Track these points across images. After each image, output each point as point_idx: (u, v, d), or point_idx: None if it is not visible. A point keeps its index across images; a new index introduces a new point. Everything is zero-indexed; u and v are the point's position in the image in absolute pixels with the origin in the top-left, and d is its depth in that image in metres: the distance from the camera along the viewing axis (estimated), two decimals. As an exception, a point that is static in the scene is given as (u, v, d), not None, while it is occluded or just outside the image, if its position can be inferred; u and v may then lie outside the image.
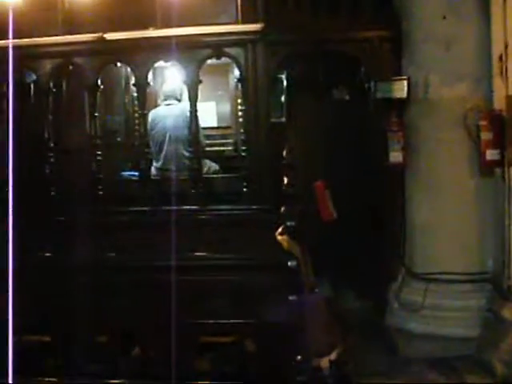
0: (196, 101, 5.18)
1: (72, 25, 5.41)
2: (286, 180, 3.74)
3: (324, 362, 3.43)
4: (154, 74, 6.89)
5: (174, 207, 4.95)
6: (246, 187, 5.07)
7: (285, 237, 3.31)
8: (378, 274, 5.40)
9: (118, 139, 6.29)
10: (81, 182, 5.36)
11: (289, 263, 3.23)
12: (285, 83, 6.00)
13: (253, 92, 5.07)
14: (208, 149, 6.35)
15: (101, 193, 5.23)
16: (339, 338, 3.65)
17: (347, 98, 6.07)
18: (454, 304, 4.82)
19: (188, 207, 4.82)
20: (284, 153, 4.43)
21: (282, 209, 3.44)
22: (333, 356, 3.58)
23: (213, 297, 3.60)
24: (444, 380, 4.41)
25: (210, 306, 3.58)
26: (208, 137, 6.60)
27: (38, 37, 5.18)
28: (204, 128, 6.67)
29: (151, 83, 5.40)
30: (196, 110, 5.16)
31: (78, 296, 3.96)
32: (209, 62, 6.40)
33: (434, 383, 4.37)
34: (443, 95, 4.85)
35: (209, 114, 6.75)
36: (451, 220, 4.89)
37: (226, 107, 6.81)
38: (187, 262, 3.92)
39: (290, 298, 3.18)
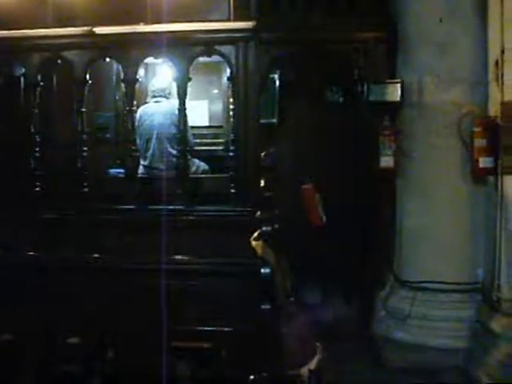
0: (185, 98, 5.07)
1: (62, 18, 5.31)
2: (262, 182, 3.57)
3: (303, 371, 3.31)
4: (146, 70, 6.82)
5: (156, 207, 4.85)
6: (232, 188, 4.97)
7: (259, 242, 3.17)
8: (368, 280, 5.28)
9: (108, 136, 6.17)
10: (66, 178, 5.26)
11: (262, 270, 3.09)
12: (277, 83, 5.88)
13: (243, 91, 4.96)
14: (199, 148, 6.25)
15: (86, 190, 5.13)
16: (316, 347, 3.51)
17: (341, 100, 5.94)
18: (441, 314, 4.70)
19: (171, 207, 4.71)
20: (262, 154, 4.31)
21: (258, 213, 3.30)
22: (312, 365, 3.46)
23: (185, 303, 3.46)
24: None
25: (182, 311, 3.44)
26: (199, 136, 6.50)
27: (28, 29, 5.08)
28: (195, 127, 6.59)
29: (141, 79, 5.29)
30: (185, 108, 5.05)
31: (51, 296, 3.83)
32: (201, 59, 6.31)
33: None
34: (437, 100, 4.74)
35: (201, 113, 6.64)
36: (442, 227, 4.78)
37: (219, 106, 6.70)
38: (155, 266, 3.76)
39: (263, 306, 3.05)
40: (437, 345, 4.62)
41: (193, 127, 6.47)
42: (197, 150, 5.95)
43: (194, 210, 4.74)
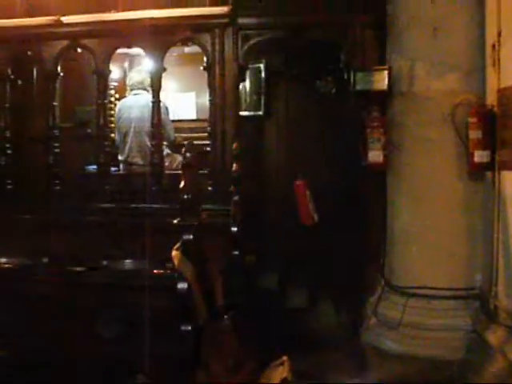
0: (159, 90, 4.81)
1: (32, 8, 5.07)
2: (183, 182, 3.11)
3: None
4: (131, 62, 6.53)
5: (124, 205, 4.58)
6: (210, 186, 4.67)
7: (178, 253, 2.81)
8: (357, 284, 4.90)
9: (89, 131, 5.91)
10: (37, 175, 5.02)
11: (178, 286, 2.74)
12: (263, 74, 5.52)
13: (220, 81, 4.66)
14: (185, 142, 5.95)
15: (57, 188, 4.88)
16: (250, 368, 3.14)
17: (333, 90, 5.55)
18: (435, 322, 4.28)
19: (141, 205, 4.44)
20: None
21: (177, 219, 2.95)
22: (275, 379, 3.12)
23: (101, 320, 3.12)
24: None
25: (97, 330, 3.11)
26: (186, 130, 6.20)
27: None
28: (182, 120, 6.29)
29: (112, 71, 5.00)
30: (159, 101, 4.80)
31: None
32: (187, 50, 6.02)
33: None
34: (430, 88, 4.31)
35: (188, 106, 6.32)
36: (436, 228, 4.36)
37: (207, 99, 6.34)
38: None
39: (183, 327, 2.69)
40: (430, 356, 4.21)
41: (179, 120, 6.19)
42: (179, 145, 5.65)
43: (164, 208, 4.45)
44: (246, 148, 5.36)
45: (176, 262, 2.77)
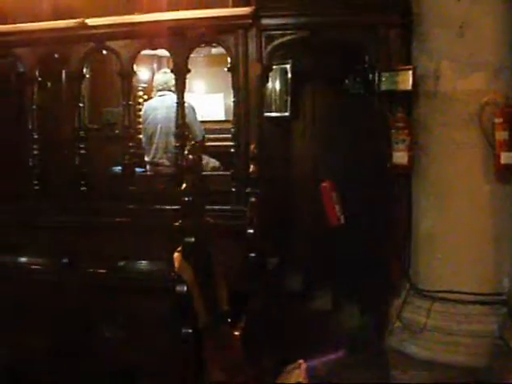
0: (183, 91, 4.85)
1: (58, 11, 5.16)
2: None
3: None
4: (159, 63, 6.60)
5: (149, 206, 4.62)
6: (233, 187, 4.68)
7: (178, 255, 2.80)
8: (383, 287, 4.81)
9: (117, 132, 6.00)
10: (64, 176, 5.11)
11: (177, 288, 2.72)
12: (289, 74, 5.49)
13: (244, 82, 4.66)
14: (212, 144, 5.98)
15: (83, 188, 4.96)
16: (249, 375, 3.10)
17: (362, 91, 5.47)
18: (460, 328, 4.17)
19: (159, 207, 4.46)
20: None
21: (179, 221, 2.93)
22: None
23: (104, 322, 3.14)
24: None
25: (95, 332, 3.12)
26: (215, 131, 6.23)
27: (23, 23, 4.95)
28: (210, 121, 6.32)
29: (137, 72, 5.07)
30: (183, 102, 4.82)
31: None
32: (214, 51, 6.03)
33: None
34: (456, 88, 4.20)
35: (216, 107, 6.35)
36: (462, 231, 4.25)
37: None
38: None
39: (184, 330, 2.68)
40: (454, 362, 4.11)
41: (208, 121, 6.22)
42: (207, 146, 5.70)
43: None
44: (274, 149, 5.36)
45: (176, 264, 2.78)
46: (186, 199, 2.88)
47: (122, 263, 3.32)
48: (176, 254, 2.79)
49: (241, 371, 2.96)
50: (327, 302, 5.09)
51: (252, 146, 4.11)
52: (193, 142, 3.84)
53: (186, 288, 2.69)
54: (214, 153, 5.76)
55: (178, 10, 4.65)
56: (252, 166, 3.95)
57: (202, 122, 5.90)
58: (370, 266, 4.85)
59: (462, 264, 4.26)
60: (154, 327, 2.92)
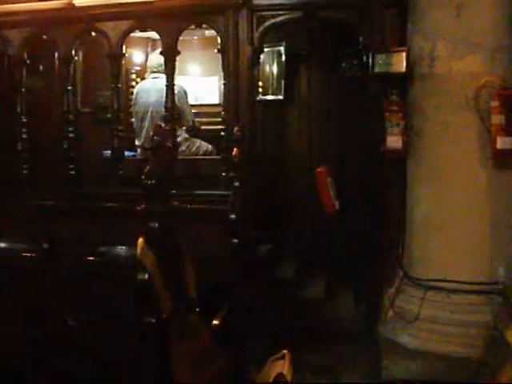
0: (173, 74, 4.73)
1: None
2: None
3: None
4: (154, 46, 6.46)
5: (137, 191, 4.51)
6: (223, 171, 4.57)
7: (141, 241, 2.68)
8: (376, 275, 4.71)
9: (109, 115, 5.90)
10: (52, 160, 5.03)
11: (138, 276, 2.62)
12: (283, 56, 5.35)
13: (234, 64, 4.54)
14: (206, 127, 5.87)
15: (72, 172, 4.87)
16: (220, 366, 2.99)
17: (358, 73, 5.32)
18: (454, 317, 4.06)
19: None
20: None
21: (142, 206, 2.81)
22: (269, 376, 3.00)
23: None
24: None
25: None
26: (209, 114, 6.11)
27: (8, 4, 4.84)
28: (204, 105, 6.20)
29: (131, 55, 4.95)
30: (173, 84, 4.70)
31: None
32: (208, 33, 5.89)
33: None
34: (452, 69, 4.05)
35: (210, 90, 6.22)
36: (457, 218, 4.12)
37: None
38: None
39: (146, 319, 2.57)
40: (447, 353, 3.99)
41: (202, 105, 6.10)
42: (199, 130, 5.59)
43: (176, 194, 4.37)
44: (268, 132, 5.23)
45: (139, 250, 2.68)
46: (149, 182, 2.76)
47: (103, 249, 3.23)
48: (140, 240, 2.69)
49: (210, 362, 2.87)
50: (320, 290, 4.99)
51: (236, 129, 3.98)
52: (158, 123, 3.69)
53: (147, 275, 2.59)
54: (208, 137, 5.65)
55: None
56: (235, 150, 3.82)
57: (197, 105, 5.78)
58: (364, 253, 4.74)
59: (457, 252, 4.14)
60: (119, 316, 2.82)
